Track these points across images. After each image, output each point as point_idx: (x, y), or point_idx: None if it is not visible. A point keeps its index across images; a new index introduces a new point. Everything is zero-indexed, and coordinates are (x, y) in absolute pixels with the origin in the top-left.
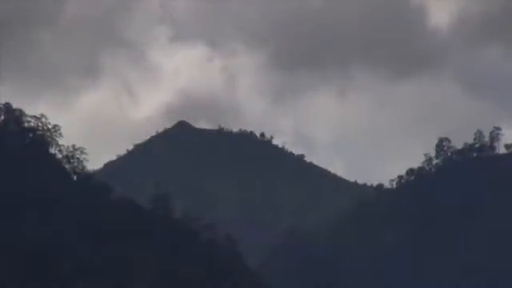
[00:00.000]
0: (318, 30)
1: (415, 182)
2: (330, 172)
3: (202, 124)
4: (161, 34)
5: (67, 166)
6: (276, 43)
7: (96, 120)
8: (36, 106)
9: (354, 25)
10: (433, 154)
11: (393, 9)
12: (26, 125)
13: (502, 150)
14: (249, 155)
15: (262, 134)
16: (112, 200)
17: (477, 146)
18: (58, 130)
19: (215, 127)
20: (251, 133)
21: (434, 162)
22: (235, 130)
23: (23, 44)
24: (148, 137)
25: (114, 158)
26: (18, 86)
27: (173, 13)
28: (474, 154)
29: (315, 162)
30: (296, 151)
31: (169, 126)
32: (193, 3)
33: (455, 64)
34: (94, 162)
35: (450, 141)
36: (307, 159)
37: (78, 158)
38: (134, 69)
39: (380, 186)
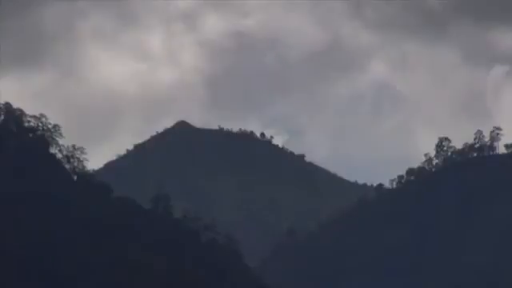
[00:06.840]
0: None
1: (415, 182)
2: (330, 172)
3: (202, 124)
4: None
5: (67, 166)
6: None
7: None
8: (36, 107)
9: None
10: (433, 153)
11: None
12: (26, 125)
13: (501, 150)
14: (249, 155)
15: (262, 134)
16: (112, 200)
17: (477, 145)
18: (58, 129)
19: (215, 127)
20: (251, 133)
21: (434, 162)
22: (235, 129)
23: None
24: (148, 137)
25: (113, 157)
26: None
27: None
28: (474, 154)
29: (315, 162)
30: (296, 151)
31: (169, 125)
32: None
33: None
34: (93, 162)
35: (450, 141)
36: (307, 159)
37: (77, 158)
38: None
39: (380, 185)
